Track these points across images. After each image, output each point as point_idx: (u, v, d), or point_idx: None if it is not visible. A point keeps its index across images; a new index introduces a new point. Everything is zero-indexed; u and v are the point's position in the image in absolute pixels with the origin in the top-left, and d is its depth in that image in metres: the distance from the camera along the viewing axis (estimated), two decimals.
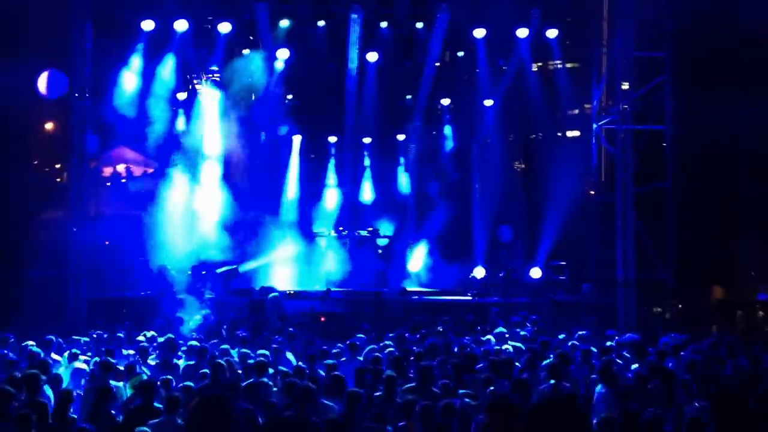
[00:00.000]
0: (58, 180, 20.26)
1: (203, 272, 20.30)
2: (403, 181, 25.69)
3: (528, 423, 4.17)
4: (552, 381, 10.28)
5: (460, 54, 24.18)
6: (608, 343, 13.26)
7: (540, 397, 9.48)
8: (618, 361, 11.93)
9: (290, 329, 15.03)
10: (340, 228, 23.94)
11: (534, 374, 10.94)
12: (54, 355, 11.82)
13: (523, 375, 10.72)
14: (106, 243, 20.35)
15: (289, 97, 24.53)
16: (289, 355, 12.63)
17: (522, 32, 21.39)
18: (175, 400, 8.67)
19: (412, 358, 11.83)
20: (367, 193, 25.74)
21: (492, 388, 9.88)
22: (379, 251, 23.78)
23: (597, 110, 21.98)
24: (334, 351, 12.94)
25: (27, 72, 18.35)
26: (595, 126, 21.98)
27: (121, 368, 10.92)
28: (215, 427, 4.64)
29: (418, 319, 17.79)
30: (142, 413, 8.77)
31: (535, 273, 20.93)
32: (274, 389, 10.10)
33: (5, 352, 11.68)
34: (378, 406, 9.00)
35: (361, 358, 12.59)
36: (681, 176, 19.28)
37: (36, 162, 20.09)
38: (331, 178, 25.52)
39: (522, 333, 15.17)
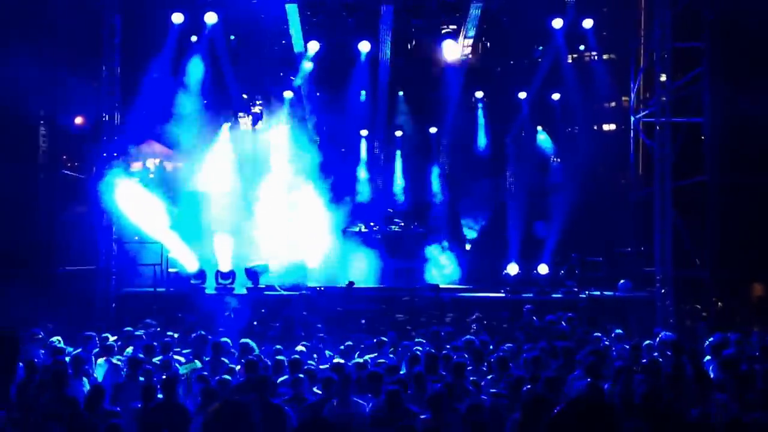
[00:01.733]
0: (85, 176, 20.19)
1: (233, 269, 20.16)
2: (436, 176, 25.36)
3: (556, 421, 3.96)
4: (588, 379, 10.08)
5: (494, 45, 23.83)
6: (646, 342, 13.01)
7: (573, 395, 9.23)
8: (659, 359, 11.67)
9: (319, 326, 14.90)
10: (371, 223, 23.66)
11: (568, 372, 10.73)
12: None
13: (557, 373, 10.53)
14: (136, 238, 20.26)
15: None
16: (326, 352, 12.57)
17: (557, 22, 21.00)
18: (212, 393, 8.66)
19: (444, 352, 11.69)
20: (398, 187, 25.43)
21: (528, 386, 9.69)
22: (411, 246, 23.45)
23: (634, 102, 21.53)
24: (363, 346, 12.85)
25: (56, 67, 18.27)
26: (632, 119, 21.53)
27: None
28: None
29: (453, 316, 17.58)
30: (163, 409, 8.64)
31: (571, 270, 20.52)
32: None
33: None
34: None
35: (392, 355, 12.45)
36: (720, 170, 18.70)
37: (65, 157, 20.04)
38: (362, 172, 25.24)
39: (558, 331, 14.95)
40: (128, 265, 19.72)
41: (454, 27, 22.32)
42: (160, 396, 8.97)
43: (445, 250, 22.94)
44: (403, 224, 23.68)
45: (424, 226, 23.71)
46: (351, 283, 20.12)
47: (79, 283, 18.20)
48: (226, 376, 9.83)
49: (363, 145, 25.46)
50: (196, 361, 11.56)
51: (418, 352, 11.55)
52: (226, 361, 11.59)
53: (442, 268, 22.69)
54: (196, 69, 22.17)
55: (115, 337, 12.93)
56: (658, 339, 13.41)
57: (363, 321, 17.73)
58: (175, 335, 13.89)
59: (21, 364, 10.02)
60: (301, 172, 22.33)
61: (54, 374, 9.42)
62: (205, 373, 10.35)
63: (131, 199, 18.99)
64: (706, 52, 18.70)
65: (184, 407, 8.85)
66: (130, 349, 12.32)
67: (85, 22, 19.15)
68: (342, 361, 11.05)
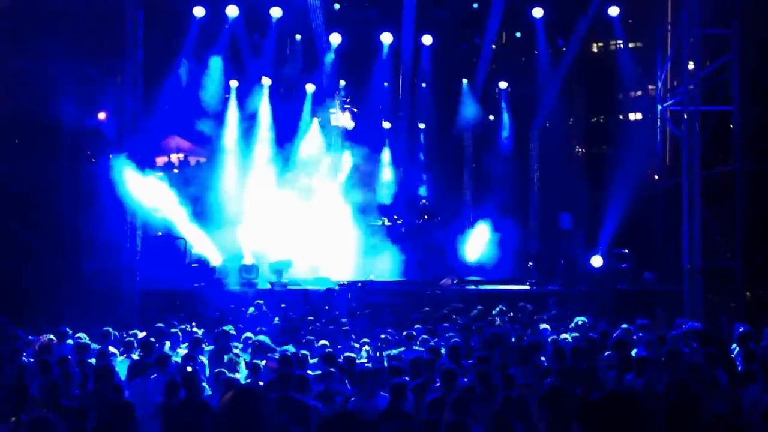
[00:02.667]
0: (109, 171, 20.22)
1: (257, 263, 20.14)
2: (460, 168, 25.16)
3: (586, 414, 3.85)
4: (613, 371, 9.96)
5: (518, 35, 23.59)
6: (672, 333, 12.80)
7: (602, 388, 9.07)
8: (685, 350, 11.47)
9: (343, 320, 14.82)
10: (395, 216, 23.50)
11: (593, 364, 10.58)
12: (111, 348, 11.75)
13: (582, 365, 10.38)
14: (159, 234, 20.29)
15: (342, 83, 24.16)
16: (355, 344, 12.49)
17: (582, 11, 20.74)
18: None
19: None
20: (421, 180, 25.23)
21: (550, 378, 9.56)
22: (435, 240, 23.27)
23: (661, 91, 21.19)
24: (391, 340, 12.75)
25: (79, 63, 18.28)
26: (659, 107, 21.22)
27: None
28: (247, 422, 4.40)
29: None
30: (185, 408, 8.57)
31: (597, 261, 20.28)
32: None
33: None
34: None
35: (420, 348, 12.36)
36: (750, 159, 18.36)
37: (88, 152, 20.09)
38: (386, 165, 25.06)
39: (581, 322, 14.77)
40: (152, 261, 19.72)
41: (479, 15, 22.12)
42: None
43: (468, 242, 22.71)
44: (426, 217, 23.48)
45: (448, 218, 23.48)
46: (371, 279, 20.07)
47: (104, 279, 18.23)
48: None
49: (386, 137, 25.28)
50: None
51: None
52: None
53: (465, 260, 22.47)
54: (217, 62, 22.19)
55: (144, 333, 12.90)
56: (682, 330, 13.18)
57: (387, 314, 17.59)
58: (200, 331, 13.84)
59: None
60: (324, 165, 22.26)
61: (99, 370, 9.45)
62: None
63: (155, 194, 19.01)
64: (735, 38, 18.35)
65: (206, 403, 8.77)
66: (168, 345, 12.25)
67: (108, 17, 19.14)
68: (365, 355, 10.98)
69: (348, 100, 24.09)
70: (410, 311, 17.41)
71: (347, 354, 11.04)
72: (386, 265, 21.92)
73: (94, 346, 11.81)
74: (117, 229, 18.59)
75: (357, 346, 12.79)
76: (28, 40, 16.94)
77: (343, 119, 23.87)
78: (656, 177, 21.92)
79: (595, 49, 22.18)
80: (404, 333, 13.00)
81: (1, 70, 16.34)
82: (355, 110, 24.05)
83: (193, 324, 14.42)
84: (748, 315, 15.95)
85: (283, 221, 21.35)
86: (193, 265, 20.20)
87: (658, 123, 21.42)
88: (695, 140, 18.53)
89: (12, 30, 17.39)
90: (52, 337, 12.08)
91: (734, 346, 11.87)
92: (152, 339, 11.87)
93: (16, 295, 15.29)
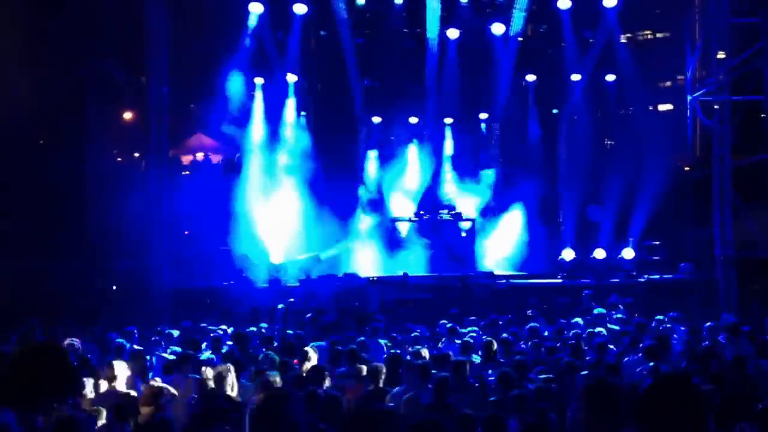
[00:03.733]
0: (137, 169, 20.34)
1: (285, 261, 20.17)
2: (488, 162, 25.02)
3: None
4: (651, 363, 9.82)
5: (545, 28, 23.43)
6: (707, 324, 12.63)
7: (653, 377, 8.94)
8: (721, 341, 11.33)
9: (376, 316, 14.79)
10: (422, 212, 23.40)
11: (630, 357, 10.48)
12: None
13: (616, 358, 10.35)
14: (186, 233, 20.37)
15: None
16: (381, 341, 12.41)
17: (610, 1, 20.56)
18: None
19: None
20: (449, 174, 25.09)
21: (585, 372, 9.46)
22: (463, 234, 23.16)
23: (691, 81, 20.92)
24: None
25: (105, 61, 18.38)
26: (689, 98, 20.95)
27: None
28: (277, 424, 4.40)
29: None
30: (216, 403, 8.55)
31: (628, 253, 20.09)
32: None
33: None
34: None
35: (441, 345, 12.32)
36: None
37: (115, 152, 20.21)
38: (413, 160, 24.93)
39: (617, 316, 14.64)
40: (182, 259, 19.81)
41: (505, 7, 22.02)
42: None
43: (498, 236, 22.57)
44: (454, 211, 23.36)
45: (475, 213, 23.36)
46: (405, 274, 19.94)
47: (134, 278, 18.32)
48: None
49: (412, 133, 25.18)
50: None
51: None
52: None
53: (495, 254, 22.35)
54: (243, 60, 22.22)
55: (178, 332, 12.93)
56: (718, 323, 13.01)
57: (417, 310, 17.53)
58: (229, 330, 13.84)
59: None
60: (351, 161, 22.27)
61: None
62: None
63: (184, 192, 19.11)
64: (765, 27, 18.05)
65: (236, 401, 8.74)
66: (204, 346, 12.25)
67: (134, 16, 19.25)
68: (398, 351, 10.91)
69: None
70: (440, 306, 17.34)
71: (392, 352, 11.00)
72: (413, 261, 21.86)
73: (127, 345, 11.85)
74: (145, 228, 18.69)
75: (389, 343, 12.74)
76: (56, 39, 17.01)
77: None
78: (687, 168, 21.65)
79: (623, 40, 21.92)
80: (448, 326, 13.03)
81: (27, 70, 16.39)
82: None
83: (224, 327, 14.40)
84: None
85: (308, 217, 21.38)
86: (221, 263, 20.23)
87: (688, 113, 21.15)
88: (726, 130, 18.30)
89: (38, 30, 17.49)
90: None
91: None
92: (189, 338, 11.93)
93: (46, 296, 15.37)
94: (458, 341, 12.07)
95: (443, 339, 12.82)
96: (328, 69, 24.64)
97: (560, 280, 19.85)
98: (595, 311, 15.35)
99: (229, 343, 12.45)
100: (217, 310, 16.37)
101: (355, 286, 18.95)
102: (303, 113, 23.91)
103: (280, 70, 23.01)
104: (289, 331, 12.31)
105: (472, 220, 23.04)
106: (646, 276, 19.13)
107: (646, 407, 3.71)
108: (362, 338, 12.38)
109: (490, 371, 9.69)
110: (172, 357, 11.31)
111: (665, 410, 3.66)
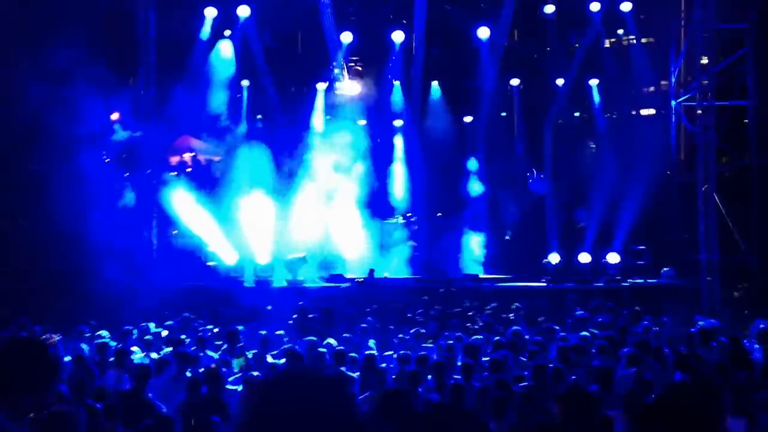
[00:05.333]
0: (125, 170, 20.30)
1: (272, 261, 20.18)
2: (472, 165, 25.04)
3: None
4: (633, 369, 9.90)
5: (529, 32, 23.54)
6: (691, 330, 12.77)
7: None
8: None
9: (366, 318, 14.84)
10: (408, 213, 23.43)
11: (612, 362, 10.55)
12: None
13: (597, 362, 10.40)
14: (174, 232, 20.34)
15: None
16: (371, 343, 12.48)
17: (594, 6, 20.71)
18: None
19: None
20: (434, 177, 25.08)
21: (574, 377, 9.55)
22: (449, 237, 23.18)
23: (675, 86, 21.10)
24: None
25: (93, 64, 18.31)
26: (673, 103, 21.13)
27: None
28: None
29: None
30: (208, 405, 8.56)
31: (613, 258, 20.22)
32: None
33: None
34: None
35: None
36: (765, 153, 18.30)
37: (104, 152, 20.13)
38: (397, 162, 24.91)
39: (600, 320, 14.75)
40: (169, 259, 19.80)
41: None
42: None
43: (483, 239, 22.64)
44: (440, 214, 23.40)
45: (461, 215, 23.41)
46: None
47: (122, 277, 18.30)
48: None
49: (397, 135, 25.15)
50: (247, 353, 11.49)
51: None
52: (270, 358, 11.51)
53: (480, 257, 22.41)
54: (229, 63, 22.19)
55: (167, 332, 12.96)
56: (698, 327, 13.15)
57: (403, 311, 17.56)
58: (215, 329, 13.87)
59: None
60: (338, 163, 22.22)
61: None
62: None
63: (171, 193, 19.07)
64: (751, 33, 18.28)
65: (223, 401, 8.77)
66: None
67: (121, 18, 19.23)
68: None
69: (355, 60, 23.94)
70: (424, 309, 17.37)
71: (368, 353, 11.03)
72: (400, 263, 21.90)
73: (112, 344, 11.87)
74: (134, 228, 18.65)
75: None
76: (42, 41, 16.95)
77: (348, 86, 23.73)
78: (670, 173, 21.79)
79: (607, 45, 22.06)
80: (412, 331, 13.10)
81: (14, 71, 16.34)
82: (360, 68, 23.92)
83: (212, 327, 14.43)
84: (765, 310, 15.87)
85: (297, 217, 21.37)
86: (208, 263, 20.24)
87: (672, 119, 21.32)
88: (710, 135, 18.46)
89: (24, 31, 17.43)
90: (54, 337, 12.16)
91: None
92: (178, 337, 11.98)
93: (35, 294, 15.34)
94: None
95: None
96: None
97: (544, 284, 19.94)
98: (578, 314, 15.50)
99: (218, 342, 12.55)
100: (204, 310, 16.37)
101: (342, 288, 19.00)
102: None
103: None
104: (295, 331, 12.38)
105: (459, 223, 23.04)
106: (630, 281, 19.25)
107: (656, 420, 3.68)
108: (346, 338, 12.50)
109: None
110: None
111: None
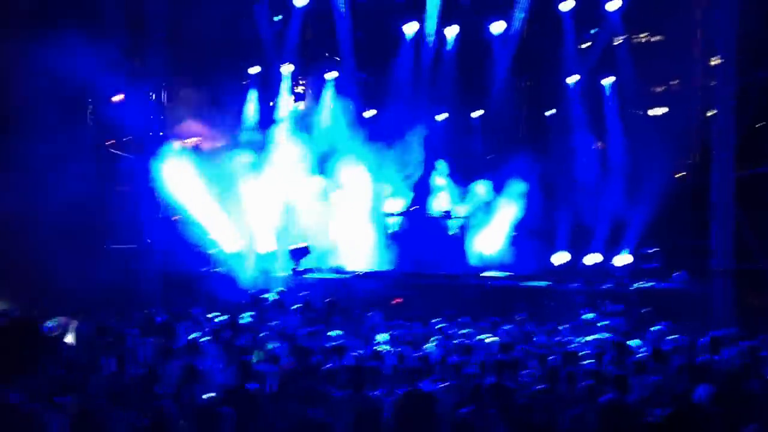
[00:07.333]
0: (131, 154, 20.09)
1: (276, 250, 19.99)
2: (480, 160, 24.81)
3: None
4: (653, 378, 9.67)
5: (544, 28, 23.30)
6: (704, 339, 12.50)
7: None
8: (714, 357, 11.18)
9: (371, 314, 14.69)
10: (412, 208, 23.15)
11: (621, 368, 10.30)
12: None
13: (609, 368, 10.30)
14: (175, 218, 20.13)
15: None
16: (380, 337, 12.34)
17: (613, 4, 20.44)
18: None
19: None
20: (441, 171, 24.84)
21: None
22: (454, 233, 22.91)
23: (693, 88, 20.78)
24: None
25: (102, 46, 18.09)
26: (690, 105, 20.81)
27: None
28: None
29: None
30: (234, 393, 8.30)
31: (623, 260, 19.97)
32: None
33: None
34: None
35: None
36: None
37: (111, 137, 19.97)
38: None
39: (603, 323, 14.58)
40: (175, 244, 19.65)
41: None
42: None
43: (489, 236, 22.38)
44: (445, 209, 23.11)
45: (467, 211, 23.13)
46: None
47: (127, 261, 18.20)
48: None
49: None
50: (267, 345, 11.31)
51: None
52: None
53: (486, 254, 22.16)
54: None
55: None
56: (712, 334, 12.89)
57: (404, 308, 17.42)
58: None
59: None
60: (343, 153, 22.02)
61: None
62: None
63: (176, 178, 18.92)
64: None
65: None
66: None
67: (132, 8, 19.13)
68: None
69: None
70: (430, 304, 17.19)
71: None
72: (401, 256, 21.64)
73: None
74: (140, 211, 18.50)
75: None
76: (54, 27, 16.71)
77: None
78: (687, 175, 21.46)
79: (620, 42, 21.77)
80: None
81: (26, 54, 16.09)
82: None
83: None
84: None
85: (302, 207, 21.13)
86: (210, 251, 20.05)
87: (689, 120, 21.01)
88: (728, 139, 18.17)
89: (33, 11, 17.21)
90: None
91: None
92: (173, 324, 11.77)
93: (43, 276, 15.11)
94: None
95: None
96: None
97: (550, 283, 19.67)
98: (585, 317, 15.30)
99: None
100: (205, 297, 16.23)
101: (344, 279, 18.83)
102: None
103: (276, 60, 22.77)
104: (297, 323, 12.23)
105: (464, 218, 22.75)
106: (637, 284, 18.98)
107: None
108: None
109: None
110: None
111: None
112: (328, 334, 12.48)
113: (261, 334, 12.01)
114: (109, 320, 12.36)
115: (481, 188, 22.75)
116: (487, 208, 22.95)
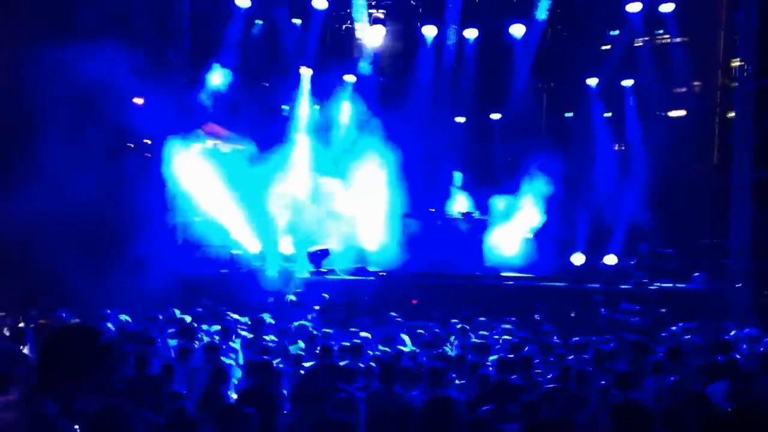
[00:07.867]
0: (153, 155, 20.23)
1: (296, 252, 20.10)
2: (499, 162, 24.84)
3: None
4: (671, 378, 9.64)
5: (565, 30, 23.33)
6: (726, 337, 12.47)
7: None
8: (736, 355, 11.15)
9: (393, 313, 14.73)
10: (431, 209, 23.19)
11: (640, 367, 10.31)
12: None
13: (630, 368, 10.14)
14: (195, 219, 20.27)
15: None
16: (404, 337, 12.37)
17: (635, 6, 20.43)
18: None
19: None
20: (460, 172, 24.87)
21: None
22: (473, 234, 22.90)
23: (713, 89, 20.72)
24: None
25: (127, 52, 18.26)
26: (710, 105, 20.74)
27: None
28: None
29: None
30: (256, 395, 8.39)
31: (639, 260, 19.92)
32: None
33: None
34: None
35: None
36: None
37: (131, 141, 20.16)
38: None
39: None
40: (195, 246, 19.77)
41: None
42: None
43: (508, 237, 22.36)
44: (464, 210, 23.13)
45: (486, 212, 23.15)
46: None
47: (149, 263, 18.27)
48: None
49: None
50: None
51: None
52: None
53: (504, 255, 22.16)
54: (258, 52, 22.15)
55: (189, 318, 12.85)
56: (733, 334, 12.88)
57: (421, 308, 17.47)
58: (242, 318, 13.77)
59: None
60: (362, 155, 22.11)
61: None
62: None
63: (198, 180, 19.05)
64: None
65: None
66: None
67: (156, 6, 19.26)
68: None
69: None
70: (448, 304, 17.24)
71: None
72: (420, 258, 21.67)
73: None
74: (160, 213, 18.62)
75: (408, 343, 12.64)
76: (83, 31, 16.90)
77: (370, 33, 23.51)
78: (706, 176, 21.39)
79: (640, 44, 21.72)
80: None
81: (48, 56, 16.26)
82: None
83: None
84: None
85: (322, 208, 21.25)
86: (232, 252, 20.18)
87: (710, 121, 20.94)
88: (747, 140, 18.12)
89: (57, 17, 17.38)
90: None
91: None
92: (194, 325, 11.85)
93: (63, 278, 15.24)
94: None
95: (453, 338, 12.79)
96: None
97: (568, 284, 19.65)
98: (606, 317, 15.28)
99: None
100: (226, 298, 16.30)
101: (365, 281, 18.88)
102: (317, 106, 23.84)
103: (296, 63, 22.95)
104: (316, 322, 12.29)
105: (483, 220, 22.76)
106: (657, 284, 18.93)
107: None
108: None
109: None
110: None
111: None
112: (350, 332, 12.54)
113: (282, 335, 12.08)
114: (129, 323, 12.43)
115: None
116: (507, 210, 22.94)
